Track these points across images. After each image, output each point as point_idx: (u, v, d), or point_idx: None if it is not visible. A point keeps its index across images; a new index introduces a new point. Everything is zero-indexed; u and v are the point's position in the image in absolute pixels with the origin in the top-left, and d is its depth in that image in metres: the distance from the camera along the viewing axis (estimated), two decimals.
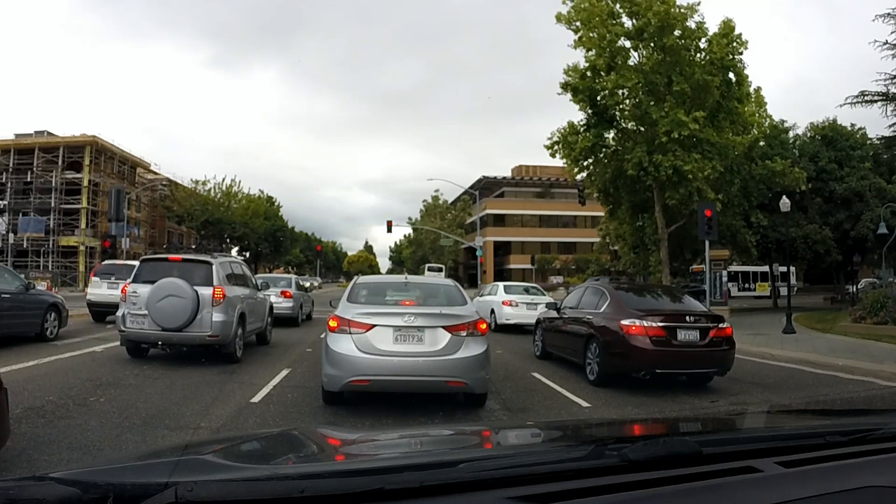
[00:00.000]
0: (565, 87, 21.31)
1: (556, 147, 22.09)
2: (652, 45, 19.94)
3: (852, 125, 29.08)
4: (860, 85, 30.97)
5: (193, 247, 52.78)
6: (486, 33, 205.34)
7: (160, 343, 9.74)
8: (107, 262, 20.31)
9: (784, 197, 19.28)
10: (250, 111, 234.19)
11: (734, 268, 36.53)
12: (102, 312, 15.95)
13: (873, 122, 51.13)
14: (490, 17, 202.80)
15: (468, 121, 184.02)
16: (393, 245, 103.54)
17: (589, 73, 20.85)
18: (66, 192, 47.65)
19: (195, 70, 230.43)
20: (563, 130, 21.99)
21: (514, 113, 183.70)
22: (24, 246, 46.14)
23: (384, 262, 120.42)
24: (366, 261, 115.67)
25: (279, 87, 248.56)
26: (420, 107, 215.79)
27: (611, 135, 22.21)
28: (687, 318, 8.68)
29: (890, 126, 24.24)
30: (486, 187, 69.21)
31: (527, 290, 19.15)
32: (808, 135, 29.44)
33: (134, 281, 9.97)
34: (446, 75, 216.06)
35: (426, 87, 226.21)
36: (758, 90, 21.80)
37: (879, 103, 23.47)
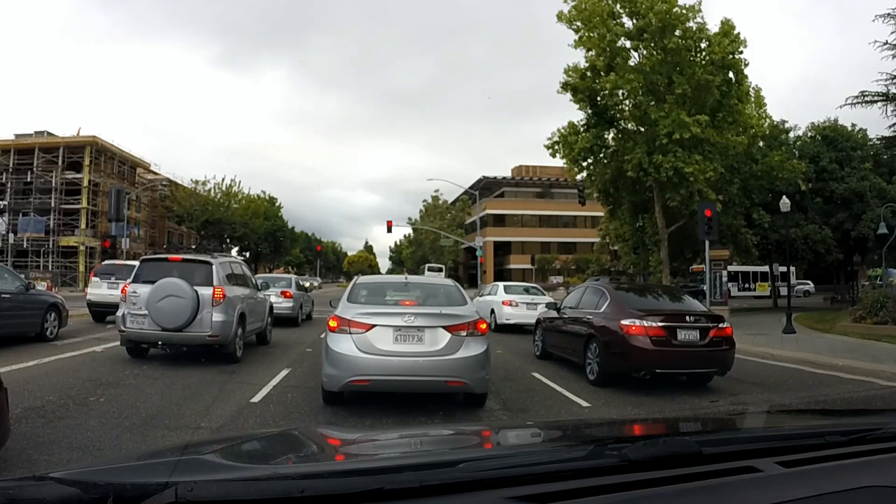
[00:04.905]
0: (565, 86, 21.32)
1: (556, 147, 22.10)
2: (652, 45, 19.94)
3: (853, 125, 29.12)
4: (867, 85, 30.91)
5: (193, 247, 52.75)
6: (496, 33, 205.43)
7: (160, 343, 9.74)
8: (107, 262, 20.32)
9: (784, 197, 19.29)
10: (256, 110, 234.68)
11: (734, 268, 36.52)
12: (102, 312, 15.95)
13: (875, 123, 51.17)
14: (501, 16, 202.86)
15: (474, 121, 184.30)
16: (393, 245, 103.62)
17: (589, 73, 20.86)
18: (66, 192, 47.63)
19: (201, 68, 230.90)
20: (562, 130, 22.01)
21: (520, 113, 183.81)
22: (24, 246, 46.11)
23: (384, 263, 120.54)
24: (366, 261, 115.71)
25: (287, 86, 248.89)
26: (427, 107, 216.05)
27: (611, 135, 22.22)
28: (687, 318, 8.68)
29: (890, 126, 24.23)
30: (486, 187, 69.22)
31: (527, 290, 19.15)
32: (809, 135, 29.45)
33: (134, 281, 9.97)
34: (454, 75, 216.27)
35: (433, 88, 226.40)
36: (757, 90, 21.82)
37: (879, 103, 23.44)
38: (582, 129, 21.84)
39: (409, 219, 74.19)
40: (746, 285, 44.66)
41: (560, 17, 20.86)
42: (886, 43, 21.78)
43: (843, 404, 8.16)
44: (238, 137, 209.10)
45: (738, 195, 22.81)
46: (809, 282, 47.50)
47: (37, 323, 11.71)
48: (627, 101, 21.05)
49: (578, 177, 25.45)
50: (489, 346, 6.99)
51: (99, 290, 16.46)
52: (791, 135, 29.10)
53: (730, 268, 28.99)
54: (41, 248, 46.95)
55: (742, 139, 20.34)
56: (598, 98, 21.13)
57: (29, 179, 47.10)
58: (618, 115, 21.75)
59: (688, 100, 19.69)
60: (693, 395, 8.35)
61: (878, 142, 27.93)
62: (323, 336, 7.55)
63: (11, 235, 44.79)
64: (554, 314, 11.17)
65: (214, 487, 1.16)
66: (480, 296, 19.60)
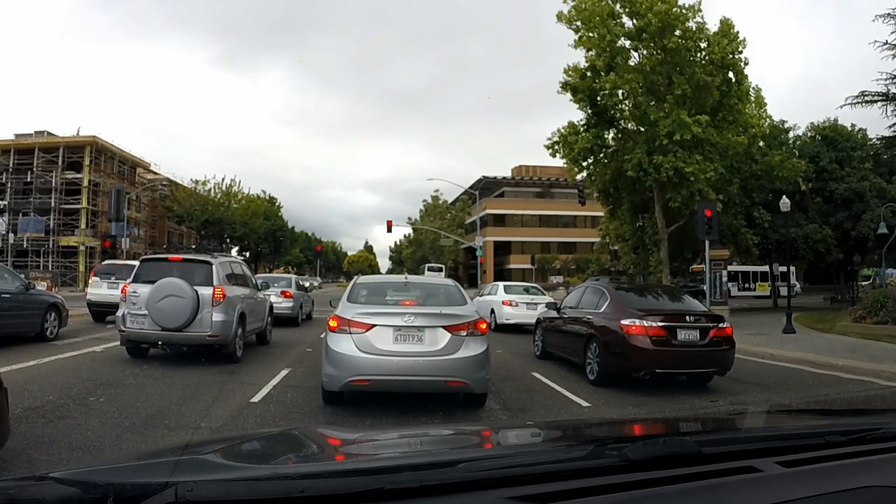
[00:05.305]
0: (565, 86, 21.32)
1: (556, 147, 22.10)
2: (652, 45, 19.93)
3: (853, 125, 29.13)
4: (867, 85, 31.03)
5: (193, 247, 52.74)
6: (496, 33, 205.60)
7: (160, 343, 9.74)
8: (107, 262, 20.32)
9: (784, 197, 19.30)
10: (256, 110, 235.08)
11: (734, 268, 36.55)
12: (102, 312, 15.96)
13: (875, 123, 51.15)
14: (501, 16, 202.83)
15: (474, 121, 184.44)
16: (393, 245, 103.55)
17: (589, 73, 20.86)
18: (66, 192, 47.64)
19: (201, 68, 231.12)
20: (562, 130, 22.01)
21: (520, 113, 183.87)
22: (24, 246, 46.11)
23: (384, 262, 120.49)
24: (366, 261, 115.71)
25: (287, 86, 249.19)
26: (427, 107, 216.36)
27: (611, 135, 22.22)
28: (687, 317, 8.68)
29: (890, 126, 24.24)
30: (487, 187, 69.20)
31: (527, 290, 19.15)
32: (809, 135, 29.46)
33: (134, 281, 9.97)
34: (454, 75, 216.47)
35: (433, 88, 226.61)
36: (757, 90, 21.83)
37: (879, 103, 23.44)
38: (582, 129, 21.83)
39: (409, 219, 74.24)
40: (746, 285, 44.64)
41: (560, 17, 20.86)
42: (886, 43, 21.79)
43: (843, 404, 8.17)
44: (238, 137, 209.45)
45: (738, 195, 22.81)
46: (796, 282, 47.42)
47: (37, 323, 11.71)
48: (627, 101, 21.04)
49: (578, 177, 25.45)
50: (489, 346, 6.98)
51: (99, 290, 16.47)
52: (791, 135, 29.11)
53: (730, 268, 29.02)
54: (41, 248, 46.96)
55: (742, 139, 20.34)
56: (598, 98, 21.13)
57: (29, 179, 47.10)
58: (618, 115, 21.75)
59: (688, 100, 19.68)
60: (693, 395, 8.35)
61: (878, 142, 27.94)
62: (323, 336, 7.55)
63: (11, 235, 44.78)
64: (554, 314, 11.17)
65: (214, 487, 1.16)
66: (480, 296, 19.60)
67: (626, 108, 21.23)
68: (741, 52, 20.17)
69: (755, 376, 10.07)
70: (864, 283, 35.96)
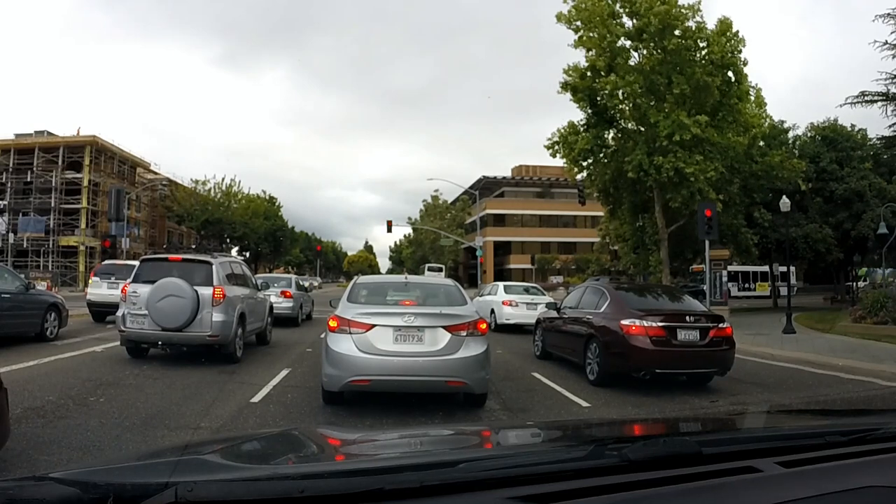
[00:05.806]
0: (565, 86, 21.31)
1: (556, 147, 22.11)
2: (652, 45, 19.93)
3: (852, 126, 29.13)
4: (867, 85, 31.06)
5: (193, 247, 52.71)
6: (496, 33, 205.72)
7: (160, 343, 9.74)
8: (107, 262, 20.32)
9: (784, 197, 19.31)
10: (256, 110, 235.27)
11: (734, 268, 36.53)
12: (102, 312, 15.96)
13: (875, 123, 51.18)
14: (501, 16, 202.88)
15: (474, 121, 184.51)
16: (393, 245, 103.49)
17: (589, 73, 20.86)
18: (66, 192, 47.64)
19: (201, 68, 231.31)
20: (562, 130, 22.00)
21: (520, 113, 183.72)
22: (24, 246, 46.10)
23: (384, 262, 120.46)
24: (366, 261, 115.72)
25: (287, 86, 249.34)
26: (427, 107, 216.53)
27: (611, 135, 22.22)
28: (687, 318, 8.68)
29: (890, 126, 24.21)
30: (487, 187, 69.21)
31: (527, 290, 19.16)
32: (809, 135, 29.47)
33: (134, 281, 9.97)
34: (454, 75, 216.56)
35: (433, 88, 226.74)
36: (758, 90, 21.83)
37: (879, 103, 23.42)
38: (582, 130, 21.83)
39: (409, 219, 74.21)
40: (746, 285, 44.63)
41: (559, 17, 20.85)
42: (886, 43, 21.74)
43: (843, 404, 8.17)
44: (238, 137, 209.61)
45: (738, 195, 22.81)
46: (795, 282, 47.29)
47: (37, 323, 11.71)
48: (627, 102, 21.03)
49: (578, 177, 25.45)
50: (489, 346, 6.99)
51: (99, 290, 16.46)
52: (791, 135, 29.11)
53: (730, 268, 29.00)
54: (41, 248, 46.95)
55: (742, 139, 20.33)
56: (598, 98, 21.12)
57: (29, 179, 47.09)
58: (618, 116, 21.74)
59: (688, 100, 19.68)
60: (693, 395, 8.35)
61: (878, 142, 27.93)
62: (323, 336, 7.55)
63: (11, 235, 44.77)
64: (554, 314, 11.17)
65: (214, 487, 1.16)
66: (480, 296, 19.59)
67: (627, 108, 21.22)
68: (741, 52, 20.19)
69: (755, 376, 10.07)
70: (860, 284, 35.90)
